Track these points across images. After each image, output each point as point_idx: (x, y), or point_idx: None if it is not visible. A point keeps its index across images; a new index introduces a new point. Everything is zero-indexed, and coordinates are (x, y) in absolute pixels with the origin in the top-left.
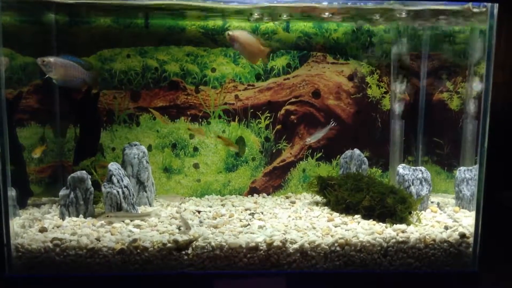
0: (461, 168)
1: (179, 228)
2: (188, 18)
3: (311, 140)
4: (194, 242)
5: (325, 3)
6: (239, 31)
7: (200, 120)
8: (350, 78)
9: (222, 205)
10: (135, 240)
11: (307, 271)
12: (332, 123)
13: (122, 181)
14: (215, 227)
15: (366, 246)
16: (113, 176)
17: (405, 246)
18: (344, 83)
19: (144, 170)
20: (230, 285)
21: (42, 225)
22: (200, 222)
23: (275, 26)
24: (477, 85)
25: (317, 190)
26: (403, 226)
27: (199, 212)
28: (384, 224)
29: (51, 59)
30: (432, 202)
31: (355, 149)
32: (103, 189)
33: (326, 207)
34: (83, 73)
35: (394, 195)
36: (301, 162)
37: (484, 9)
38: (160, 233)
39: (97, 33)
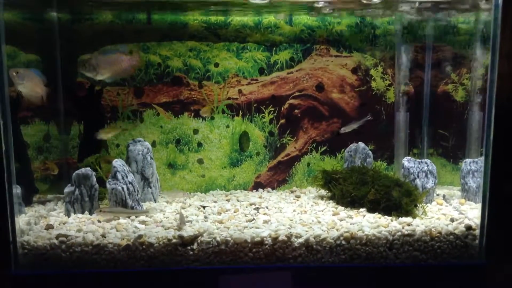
0: (467, 160)
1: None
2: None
3: (345, 129)
4: (199, 238)
5: None
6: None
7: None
8: (354, 70)
9: (227, 200)
10: (140, 236)
11: (313, 265)
12: (369, 117)
13: (127, 177)
14: (220, 222)
15: (372, 239)
16: (118, 172)
17: (411, 239)
18: (348, 76)
19: (149, 166)
20: (235, 280)
21: (47, 222)
22: (205, 217)
23: (277, 20)
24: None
25: (322, 184)
26: (408, 219)
27: (204, 207)
28: (390, 217)
29: (21, 71)
30: (437, 195)
31: (360, 143)
32: (108, 185)
33: (331, 201)
34: (43, 89)
35: (400, 188)
36: (305, 156)
37: None
38: (165, 229)
39: (100, 29)
